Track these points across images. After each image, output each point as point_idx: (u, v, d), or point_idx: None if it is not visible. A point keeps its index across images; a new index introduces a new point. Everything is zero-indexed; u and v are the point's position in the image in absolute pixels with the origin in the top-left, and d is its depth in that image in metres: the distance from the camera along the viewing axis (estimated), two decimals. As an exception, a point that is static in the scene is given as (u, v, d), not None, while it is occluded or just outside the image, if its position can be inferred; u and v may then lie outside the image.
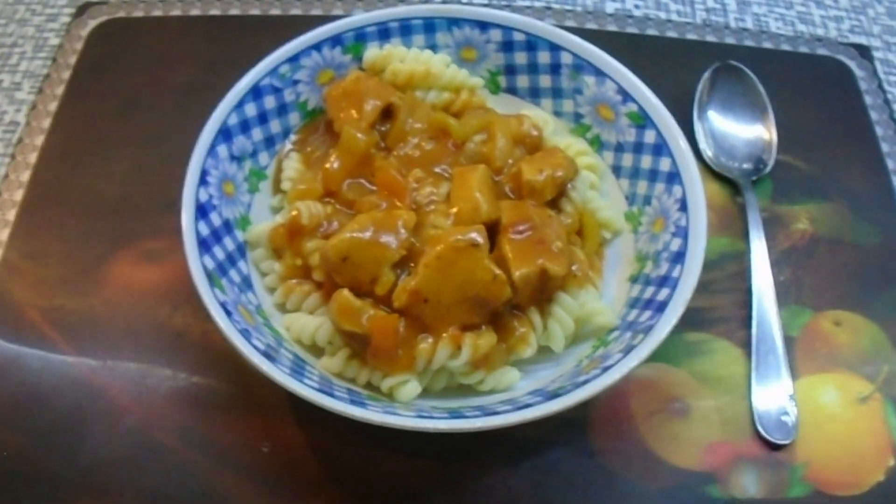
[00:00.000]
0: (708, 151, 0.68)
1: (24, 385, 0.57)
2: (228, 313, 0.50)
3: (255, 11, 0.76)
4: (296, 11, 0.77)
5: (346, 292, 0.52)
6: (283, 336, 0.55)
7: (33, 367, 0.57)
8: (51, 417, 0.55)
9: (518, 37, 0.64)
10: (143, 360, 0.58)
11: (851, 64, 0.76)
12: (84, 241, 0.63)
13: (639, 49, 0.76)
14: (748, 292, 0.61)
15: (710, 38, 0.77)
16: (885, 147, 0.71)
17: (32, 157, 0.66)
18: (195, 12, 0.76)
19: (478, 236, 0.52)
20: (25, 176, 0.66)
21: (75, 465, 0.54)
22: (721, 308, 0.61)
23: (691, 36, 0.77)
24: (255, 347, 0.49)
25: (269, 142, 0.62)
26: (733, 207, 0.66)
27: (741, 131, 0.69)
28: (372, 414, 0.47)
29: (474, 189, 0.55)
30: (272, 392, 0.49)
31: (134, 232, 0.63)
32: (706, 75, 0.70)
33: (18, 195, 0.65)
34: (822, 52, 0.77)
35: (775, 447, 0.55)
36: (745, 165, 0.67)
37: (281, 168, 0.61)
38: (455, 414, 0.49)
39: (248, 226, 0.58)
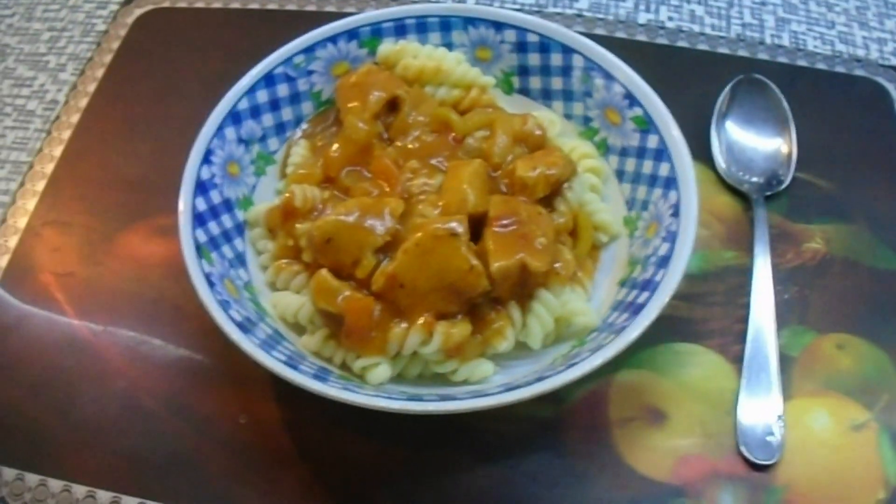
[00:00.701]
0: (721, 163, 0.66)
1: (30, 342, 0.60)
2: (211, 284, 0.52)
3: (292, 6, 0.79)
4: (330, 8, 0.79)
5: (324, 272, 0.53)
6: (268, 313, 0.56)
7: (40, 325, 0.60)
8: (49, 374, 0.58)
9: (532, 38, 0.64)
10: (141, 329, 0.60)
11: (890, 86, 0.73)
12: (101, 215, 0.66)
13: (666, 59, 0.74)
14: (747, 307, 0.59)
15: (742, 53, 0.75)
16: (916, 171, 0.67)
17: (66, 134, 0.70)
18: (235, 5, 0.79)
19: (457, 226, 0.52)
20: (58, 151, 0.69)
21: (64, 421, 0.56)
22: (717, 321, 0.59)
23: (723, 50, 0.76)
24: (231, 318, 0.51)
25: (280, 128, 0.64)
26: (744, 221, 0.64)
27: (758, 144, 0.67)
28: (330, 389, 0.48)
29: (464, 181, 0.55)
30: (255, 366, 0.50)
31: (148, 208, 0.66)
32: (728, 87, 0.69)
33: (49, 168, 0.68)
34: (859, 72, 0.74)
35: (756, 467, 0.53)
36: (758, 179, 0.65)
37: (290, 154, 0.63)
38: (412, 397, 0.49)
39: (250, 206, 0.60)
